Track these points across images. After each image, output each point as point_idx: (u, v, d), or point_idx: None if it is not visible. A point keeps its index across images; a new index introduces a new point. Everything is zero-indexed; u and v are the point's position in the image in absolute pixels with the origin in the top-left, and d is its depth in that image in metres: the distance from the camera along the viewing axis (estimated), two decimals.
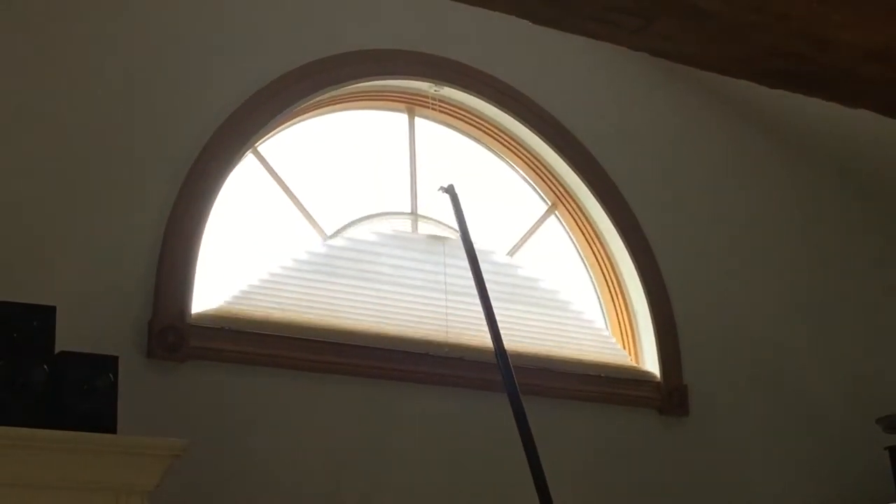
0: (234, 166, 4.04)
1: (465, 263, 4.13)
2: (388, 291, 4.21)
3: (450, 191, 4.19)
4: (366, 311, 4.14)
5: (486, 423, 4.14)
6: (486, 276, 4.00)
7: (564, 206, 4.73)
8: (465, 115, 4.61)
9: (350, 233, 4.29)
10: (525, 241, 4.65)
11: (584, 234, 4.74)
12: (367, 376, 4.02)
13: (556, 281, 4.58)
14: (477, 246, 4.08)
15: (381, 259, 4.25)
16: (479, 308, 4.07)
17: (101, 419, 3.04)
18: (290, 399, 3.87)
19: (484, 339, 4.19)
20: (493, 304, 3.92)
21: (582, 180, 4.66)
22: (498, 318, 3.89)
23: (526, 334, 4.38)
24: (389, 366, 4.06)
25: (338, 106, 4.43)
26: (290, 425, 3.85)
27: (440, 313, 4.25)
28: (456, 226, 4.16)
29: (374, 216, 4.40)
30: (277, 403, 3.85)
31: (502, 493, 4.09)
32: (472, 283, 4.06)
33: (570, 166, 4.66)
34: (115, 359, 3.14)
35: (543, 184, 4.72)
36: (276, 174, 4.23)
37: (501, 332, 3.87)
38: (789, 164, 5.24)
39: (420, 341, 4.17)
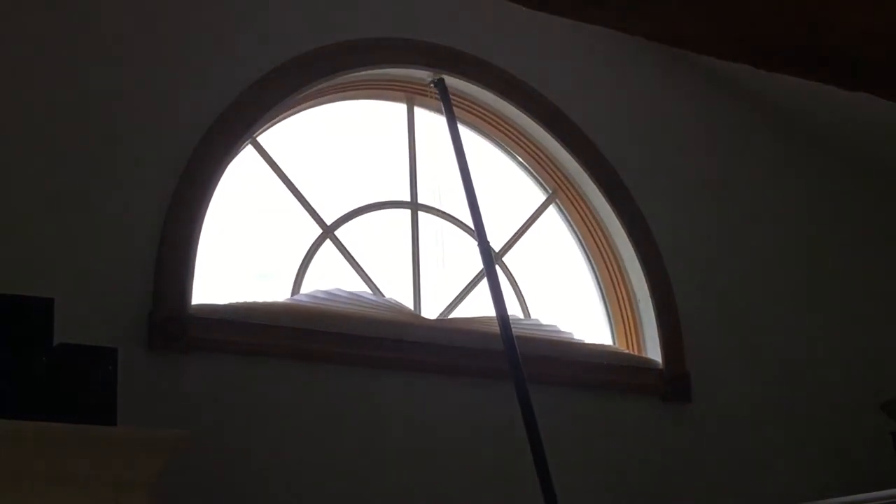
0: (232, 157, 4.03)
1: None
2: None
3: (439, 84, 4.20)
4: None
5: (493, 412, 4.14)
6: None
7: (565, 193, 4.71)
8: (464, 104, 4.59)
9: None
10: (526, 229, 4.63)
11: (584, 221, 4.72)
12: (372, 366, 4.01)
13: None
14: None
15: None
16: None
17: (101, 411, 3.02)
18: (292, 389, 3.86)
19: (488, 327, 4.19)
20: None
21: (582, 168, 4.64)
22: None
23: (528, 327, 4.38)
24: (394, 355, 4.05)
25: (336, 95, 4.41)
26: (292, 416, 3.84)
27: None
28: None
29: (373, 206, 4.39)
30: (279, 394, 3.84)
31: (504, 481, 4.08)
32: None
33: (571, 154, 4.64)
34: (114, 350, 3.13)
35: (543, 172, 4.71)
36: (276, 164, 4.22)
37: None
38: (790, 148, 5.22)
39: (425, 328, 4.16)
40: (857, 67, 2.76)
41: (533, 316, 4.51)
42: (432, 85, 4.30)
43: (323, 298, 4.08)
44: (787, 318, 4.94)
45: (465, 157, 4.02)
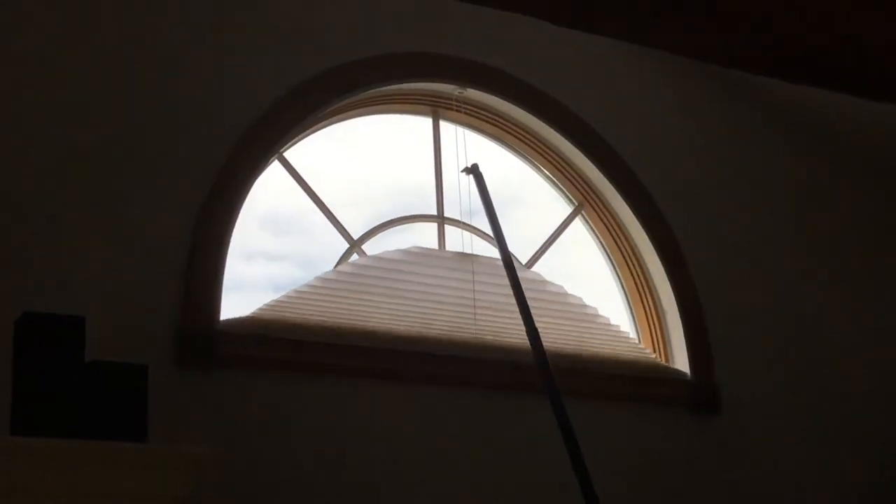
0: (260, 172, 4.05)
1: (495, 279, 4.15)
2: (417, 303, 4.21)
3: (474, 170, 4.13)
4: (396, 316, 4.15)
5: (519, 425, 4.14)
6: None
7: (591, 206, 4.72)
8: (489, 117, 4.61)
9: (376, 248, 4.30)
10: (552, 242, 4.64)
11: (611, 234, 4.72)
12: (400, 380, 4.02)
13: (581, 291, 4.55)
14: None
15: (408, 276, 4.25)
16: (510, 319, 4.10)
17: (132, 428, 3.03)
18: (321, 405, 3.87)
19: (514, 340, 4.19)
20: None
21: (608, 180, 4.65)
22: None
23: (551, 339, 4.37)
24: (422, 369, 4.06)
25: (363, 110, 4.43)
26: (321, 431, 3.84)
27: (469, 321, 4.24)
28: (483, 208, 4.08)
29: (400, 220, 4.40)
30: (309, 409, 3.84)
31: (536, 494, 4.08)
32: (502, 298, 4.08)
33: (597, 166, 4.64)
34: (144, 368, 3.14)
35: (570, 184, 4.72)
36: (302, 179, 4.24)
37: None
38: (820, 161, 5.20)
39: (450, 343, 4.16)
40: (881, 79, 2.77)
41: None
42: (467, 172, 4.25)
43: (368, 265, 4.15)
44: (818, 328, 4.92)
45: (507, 249, 3.93)
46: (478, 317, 4.24)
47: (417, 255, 4.31)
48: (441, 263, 4.34)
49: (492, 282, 4.28)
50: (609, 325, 4.56)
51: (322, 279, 4.09)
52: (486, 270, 4.32)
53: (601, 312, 4.57)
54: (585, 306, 4.53)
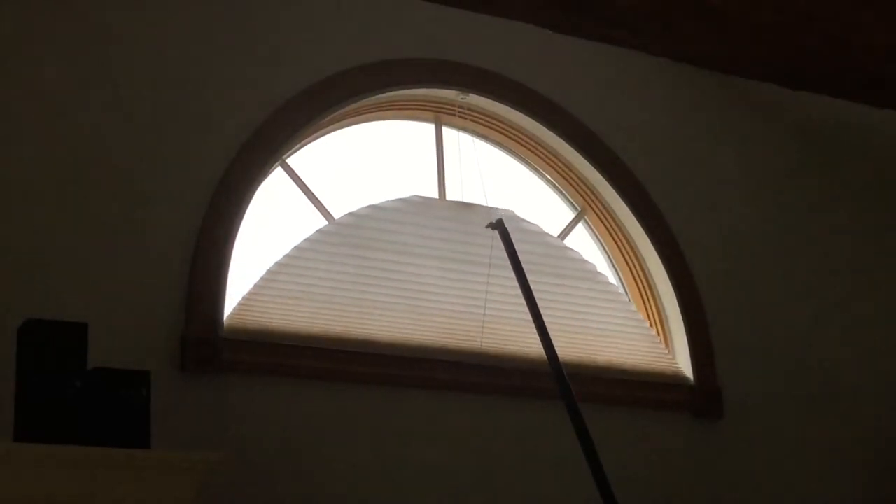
0: (263, 179, 4.06)
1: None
2: (423, 290, 4.22)
3: (498, 226, 3.98)
4: (401, 318, 4.15)
5: (525, 431, 4.15)
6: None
7: (594, 211, 4.72)
8: (492, 123, 4.61)
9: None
10: None
11: (614, 238, 4.72)
12: (404, 386, 4.02)
13: (581, 250, 4.60)
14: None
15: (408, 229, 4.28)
16: (518, 310, 4.11)
17: (135, 435, 3.04)
18: (326, 410, 3.87)
19: (522, 343, 4.20)
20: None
21: (611, 185, 4.65)
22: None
23: (559, 330, 4.36)
24: (424, 375, 4.06)
25: (365, 116, 4.44)
26: (325, 437, 3.84)
27: (477, 321, 4.24)
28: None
29: None
30: (312, 415, 3.85)
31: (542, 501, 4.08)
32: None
33: (599, 171, 4.65)
34: (147, 374, 3.14)
35: (572, 189, 4.72)
36: (305, 186, 4.25)
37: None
38: (823, 166, 5.19)
39: (455, 350, 4.17)
40: (882, 86, 2.77)
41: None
42: (491, 227, 4.07)
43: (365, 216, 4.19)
44: (820, 334, 4.92)
45: (535, 301, 3.81)
46: (488, 301, 4.24)
47: (418, 205, 4.35)
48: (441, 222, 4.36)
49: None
50: (610, 288, 4.58)
51: (322, 232, 4.12)
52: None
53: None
54: (585, 263, 4.56)
